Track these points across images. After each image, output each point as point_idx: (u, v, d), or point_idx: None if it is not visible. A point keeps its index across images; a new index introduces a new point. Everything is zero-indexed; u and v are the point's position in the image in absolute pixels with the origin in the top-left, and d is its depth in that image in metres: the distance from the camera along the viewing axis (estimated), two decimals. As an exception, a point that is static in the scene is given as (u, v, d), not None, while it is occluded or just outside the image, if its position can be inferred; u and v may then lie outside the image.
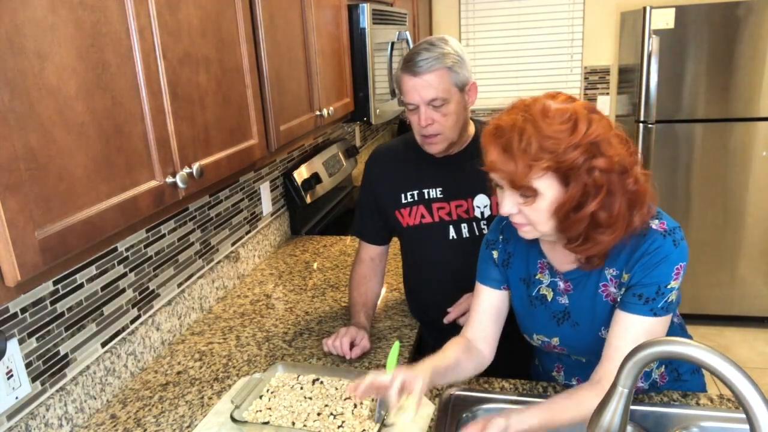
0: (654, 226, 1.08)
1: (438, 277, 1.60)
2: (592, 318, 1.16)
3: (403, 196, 1.57)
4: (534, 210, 1.04)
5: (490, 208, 1.51)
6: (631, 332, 1.08)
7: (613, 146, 1.01)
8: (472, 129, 1.55)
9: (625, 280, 1.11)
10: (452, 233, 1.54)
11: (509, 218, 1.10)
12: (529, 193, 1.02)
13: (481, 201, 1.52)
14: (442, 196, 1.54)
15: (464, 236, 1.54)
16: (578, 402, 1.07)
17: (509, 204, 1.06)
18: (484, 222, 1.53)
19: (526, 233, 1.10)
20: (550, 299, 1.21)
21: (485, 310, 1.28)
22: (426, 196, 1.55)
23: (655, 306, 1.07)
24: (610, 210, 1.02)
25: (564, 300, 1.19)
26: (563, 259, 1.18)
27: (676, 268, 1.07)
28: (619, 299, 1.12)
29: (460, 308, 1.53)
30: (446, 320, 1.54)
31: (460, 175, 1.51)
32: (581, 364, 1.26)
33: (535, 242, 1.21)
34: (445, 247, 1.55)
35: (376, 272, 1.66)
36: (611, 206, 1.02)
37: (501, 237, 1.27)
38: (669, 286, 1.07)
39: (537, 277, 1.22)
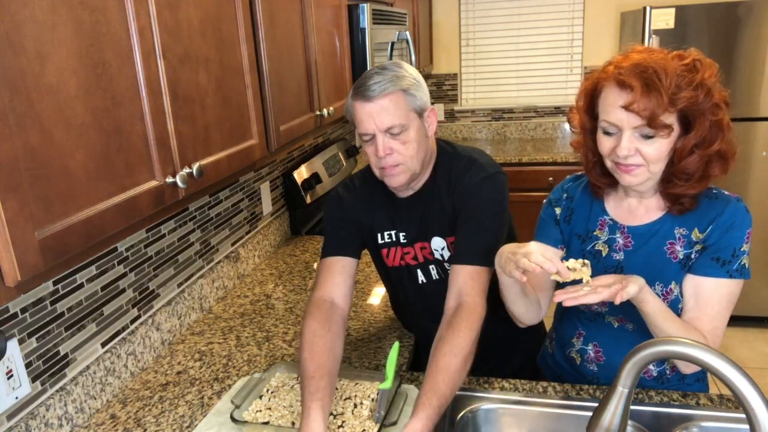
0: (726, 192, 1.18)
1: (417, 317, 1.53)
2: (647, 273, 1.17)
3: (379, 235, 1.43)
4: (656, 149, 1.10)
5: (448, 249, 1.37)
6: (715, 296, 1.14)
7: (720, 88, 1.12)
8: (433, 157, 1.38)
9: (696, 238, 1.17)
10: (421, 277, 1.43)
11: (625, 160, 1.12)
12: (663, 130, 1.07)
13: (437, 244, 1.38)
14: (405, 241, 1.41)
15: (434, 278, 1.42)
16: (680, 327, 1.12)
17: (629, 146, 1.10)
18: (447, 264, 1.37)
19: (637, 176, 1.13)
20: (604, 254, 1.26)
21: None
22: (399, 239, 1.42)
23: (730, 268, 1.14)
24: (729, 143, 1.12)
25: (619, 256, 1.24)
26: (632, 214, 1.23)
27: (747, 232, 1.14)
28: (683, 257, 1.18)
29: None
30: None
31: (422, 214, 1.38)
32: (610, 330, 1.28)
33: (600, 200, 1.28)
34: (418, 291, 1.44)
35: (337, 326, 1.27)
36: (729, 140, 1.12)
37: (565, 195, 1.34)
38: (742, 249, 1.14)
39: (594, 233, 1.28)
